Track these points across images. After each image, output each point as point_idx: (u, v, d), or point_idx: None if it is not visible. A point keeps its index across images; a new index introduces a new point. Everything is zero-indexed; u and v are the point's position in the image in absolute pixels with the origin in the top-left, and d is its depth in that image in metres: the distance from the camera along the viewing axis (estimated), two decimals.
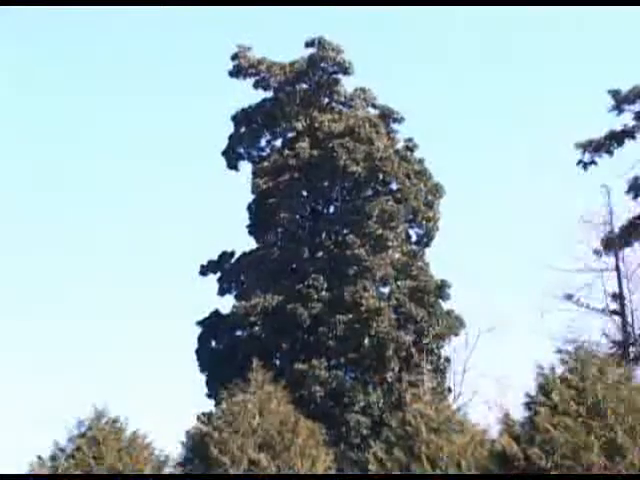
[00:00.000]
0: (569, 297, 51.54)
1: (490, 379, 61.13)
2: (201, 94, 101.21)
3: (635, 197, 50.13)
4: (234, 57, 55.61)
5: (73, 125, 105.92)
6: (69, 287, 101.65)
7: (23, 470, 31.86)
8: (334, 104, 55.31)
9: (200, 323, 53.28)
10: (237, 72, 55.69)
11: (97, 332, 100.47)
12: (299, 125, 54.79)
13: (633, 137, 50.37)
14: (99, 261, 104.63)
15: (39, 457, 32.36)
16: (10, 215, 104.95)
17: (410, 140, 55.03)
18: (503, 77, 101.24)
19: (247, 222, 54.45)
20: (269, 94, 55.63)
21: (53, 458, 32.21)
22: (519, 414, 32.05)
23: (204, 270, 55.08)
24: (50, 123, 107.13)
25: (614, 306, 51.21)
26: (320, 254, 52.57)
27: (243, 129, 55.94)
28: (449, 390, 51.65)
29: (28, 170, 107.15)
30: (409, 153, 54.16)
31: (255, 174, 54.57)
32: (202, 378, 51.63)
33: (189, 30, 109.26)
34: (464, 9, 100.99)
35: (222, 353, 51.48)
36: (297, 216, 54.17)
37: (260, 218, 54.02)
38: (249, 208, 54.47)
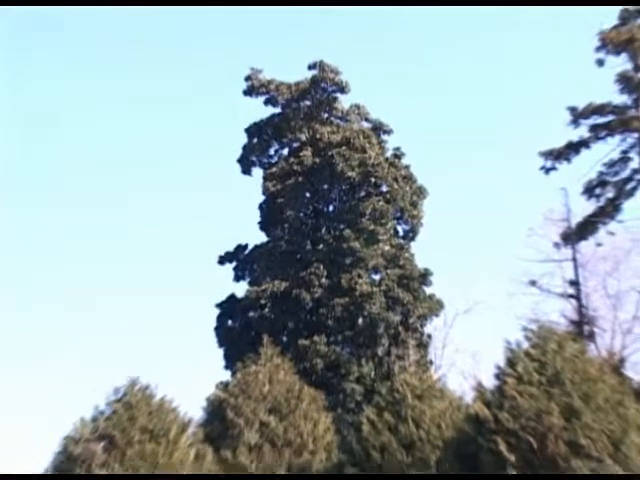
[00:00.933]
0: (533, 283, 51.44)
1: (466, 353, 61.11)
2: (220, 110, 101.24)
3: (589, 198, 50.12)
4: (247, 78, 55.63)
5: (122, 134, 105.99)
6: (112, 272, 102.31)
7: (67, 430, 32.07)
8: (333, 118, 55.22)
9: (218, 305, 53.32)
10: (250, 91, 55.68)
11: (134, 313, 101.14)
12: (303, 136, 54.77)
13: (588, 147, 50.30)
14: (139, 251, 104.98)
15: (82, 419, 32.48)
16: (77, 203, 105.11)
17: (398, 149, 54.96)
18: (479, 97, 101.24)
19: (258, 219, 54.53)
20: (277, 110, 55.62)
21: (94, 419, 32.32)
22: (490, 383, 32.13)
23: (222, 260, 55.08)
24: (97, 130, 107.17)
25: (571, 291, 51.08)
26: (321, 246, 52.54)
27: (255, 140, 55.92)
28: (430, 363, 51.56)
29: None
30: (397, 160, 54.07)
31: (265, 178, 54.58)
32: (220, 352, 51.69)
33: (211, 56, 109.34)
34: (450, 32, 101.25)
35: (237, 331, 51.50)
36: (301, 214, 54.18)
37: (269, 216, 54.06)
38: (260, 207, 54.50)
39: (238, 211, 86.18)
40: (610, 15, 50.49)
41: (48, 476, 32.72)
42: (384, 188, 52.51)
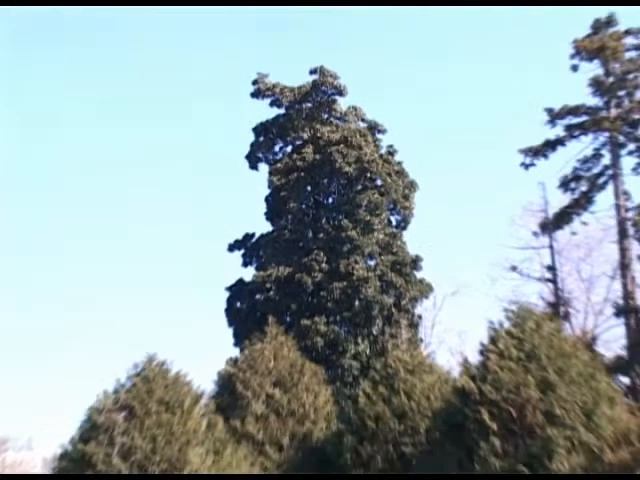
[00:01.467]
0: (514, 268, 51.74)
1: (453, 332, 61.63)
2: (230, 111, 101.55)
3: (565, 191, 50.31)
4: (254, 82, 55.64)
5: (137, 134, 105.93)
6: (135, 261, 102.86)
7: (91, 401, 32.31)
8: (332, 119, 55.24)
9: (228, 289, 53.44)
10: (257, 94, 55.70)
11: (154, 297, 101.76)
12: (304, 135, 54.81)
13: (563, 145, 50.45)
14: (158, 241, 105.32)
15: (105, 391, 32.67)
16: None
17: (391, 147, 54.97)
18: (465, 98, 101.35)
19: (264, 210, 54.57)
20: (281, 111, 55.61)
21: (116, 392, 32.49)
22: (475, 359, 32.36)
23: (231, 247, 55.20)
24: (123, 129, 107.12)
25: (548, 276, 51.30)
26: (321, 235, 52.61)
27: (261, 138, 55.97)
28: (421, 341, 51.76)
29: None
30: (390, 157, 54.11)
31: (270, 173, 54.63)
32: (230, 331, 51.83)
33: (221, 63, 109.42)
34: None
35: (245, 312, 51.64)
36: (303, 206, 54.20)
37: (274, 207, 54.14)
38: (266, 199, 54.58)
39: (246, 203, 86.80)
40: (583, 25, 50.84)
41: (48, 476, 32.68)
42: (378, 182, 52.55)
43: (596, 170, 50.23)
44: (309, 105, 55.03)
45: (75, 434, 32.35)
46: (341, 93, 54.96)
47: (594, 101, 49.88)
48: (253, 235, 54.97)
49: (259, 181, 55.18)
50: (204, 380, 37.90)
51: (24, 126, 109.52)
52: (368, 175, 52.42)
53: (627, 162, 49.28)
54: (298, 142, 55.24)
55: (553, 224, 50.82)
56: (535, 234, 51.72)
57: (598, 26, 49.81)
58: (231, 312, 52.52)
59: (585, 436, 29.00)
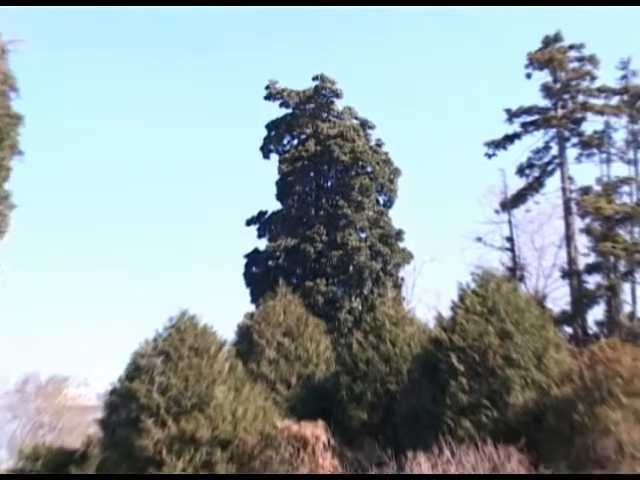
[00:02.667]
0: (479, 240, 51.78)
1: (429, 292, 61.60)
2: (246, 111, 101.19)
3: (520, 176, 50.40)
4: (267, 87, 55.33)
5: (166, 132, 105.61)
6: (174, 235, 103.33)
7: (136, 345, 32.56)
8: (330, 117, 54.86)
9: (246, 256, 53.32)
10: (269, 96, 55.42)
11: (188, 264, 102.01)
12: (308, 131, 54.51)
13: (519, 138, 50.43)
14: (193, 217, 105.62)
15: (146, 339, 32.78)
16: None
17: (379, 140, 54.64)
18: (440, 97, 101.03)
19: (275, 192, 54.44)
20: (289, 111, 55.26)
21: (155, 340, 32.59)
22: (446, 314, 32.49)
23: (248, 222, 55.01)
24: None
25: (507, 245, 51.44)
26: (321, 212, 52.48)
27: (272, 133, 55.69)
28: (403, 299, 51.57)
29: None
30: (378, 148, 53.78)
31: (280, 162, 54.40)
32: (247, 291, 51.78)
33: (240, 70, 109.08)
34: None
35: (259, 276, 51.58)
36: (306, 188, 54.03)
37: (283, 190, 53.96)
38: (276, 183, 54.39)
39: (260, 186, 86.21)
40: (536, 39, 50.77)
41: (48, 476, 32.23)
42: (369, 169, 52.29)
43: (546, 159, 50.28)
44: (312, 106, 54.75)
45: (122, 374, 32.51)
46: (338, 96, 54.68)
47: (544, 103, 49.91)
48: (266, 212, 54.83)
49: (271, 169, 55.03)
50: (227, 331, 38.04)
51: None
52: (360, 163, 52.20)
53: (571, 153, 49.54)
54: (302, 136, 54.96)
55: (511, 203, 50.90)
56: (496, 211, 51.84)
57: (547, 41, 49.71)
58: (248, 276, 52.48)
59: (536, 375, 29.14)
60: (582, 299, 46.55)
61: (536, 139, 50.25)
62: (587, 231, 46.89)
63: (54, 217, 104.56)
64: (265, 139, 55.88)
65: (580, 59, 49.17)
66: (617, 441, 25.50)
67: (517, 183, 50.88)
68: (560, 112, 49.26)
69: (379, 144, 54.18)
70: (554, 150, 49.80)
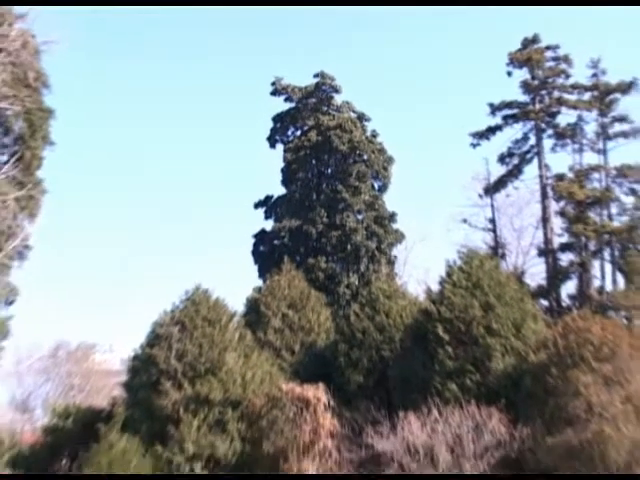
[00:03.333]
0: (464, 221, 51.69)
1: (420, 269, 61.52)
2: (257, 105, 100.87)
3: (502, 164, 50.15)
4: (273, 84, 55.10)
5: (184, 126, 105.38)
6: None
7: (156, 315, 32.75)
8: (330, 110, 54.52)
9: (254, 236, 53.20)
10: (275, 92, 55.18)
11: (203, 242, 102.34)
12: (310, 123, 54.17)
13: (501, 130, 50.14)
14: (209, 202, 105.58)
15: (164, 310, 32.92)
16: None
17: (374, 131, 54.37)
18: (430, 96, 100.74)
19: (280, 178, 54.31)
20: (293, 105, 55.13)
21: (172, 311, 32.75)
22: (435, 288, 32.54)
23: (256, 205, 54.77)
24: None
25: (490, 227, 51.39)
26: (322, 197, 52.28)
27: (278, 125, 55.43)
28: (396, 275, 51.54)
29: None
30: (373, 138, 53.44)
31: (285, 151, 54.17)
32: (255, 268, 51.76)
33: (250, 69, 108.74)
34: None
35: (266, 254, 51.47)
36: (309, 175, 53.80)
37: (288, 176, 53.74)
38: (282, 170, 54.13)
39: (267, 173, 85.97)
40: (516, 40, 50.59)
41: (49, 476, 32.10)
42: (365, 157, 52.01)
43: (524, 149, 50.10)
44: (313, 100, 54.46)
45: (143, 341, 32.69)
46: (337, 91, 54.39)
47: (523, 98, 49.63)
48: (272, 197, 54.65)
49: (277, 157, 54.86)
50: (237, 304, 38.18)
51: None
52: (357, 152, 51.98)
53: (547, 143, 49.29)
54: (305, 128, 54.67)
55: (493, 189, 50.78)
56: (480, 196, 51.67)
57: (526, 43, 49.45)
58: (256, 254, 52.41)
59: (515, 343, 29.26)
60: (556, 275, 46.66)
61: (516, 131, 50.15)
62: (561, 214, 46.90)
63: (83, 200, 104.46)
64: (271, 130, 55.67)
65: (555, 59, 48.93)
66: (587, 402, 25.69)
67: (499, 170, 50.77)
68: (537, 106, 49.06)
69: (374, 135, 53.91)
70: (532, 141, 49.66)
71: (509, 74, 49.89)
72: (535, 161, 49.49)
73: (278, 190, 54.57)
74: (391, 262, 51.50)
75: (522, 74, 49.31)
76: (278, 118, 55.74)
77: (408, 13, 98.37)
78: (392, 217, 51.86)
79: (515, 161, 50.27)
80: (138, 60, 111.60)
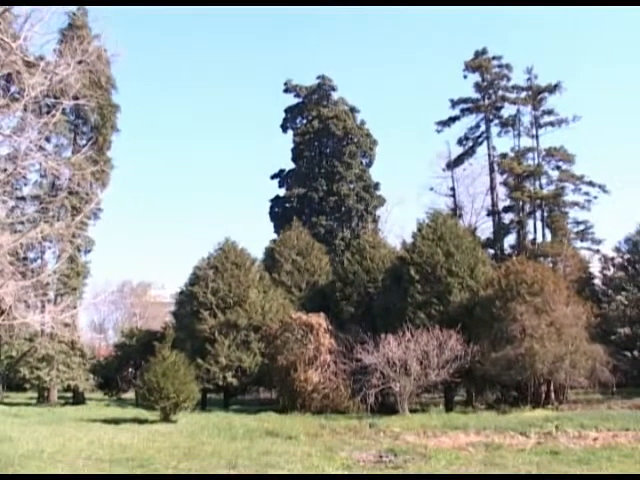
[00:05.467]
0: (431, 189, 51.24)
1: (397, 225, 61.19)
2: (272, 100, 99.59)
3: (460, 146, 49.87)
4: (285, 83, 54.58)
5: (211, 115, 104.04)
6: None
7: (191, 267, 32.47)
8: (329, 104, 53.95)
9: (270, 200, 53.00)
10: (286, 90, 54.55)
11: (233, 206, 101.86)
12: (313, 114, 53.51)
13: (459, 120, 49.64)
14: (237, 174, 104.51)
15: (202, 257, 32.74)
16: None
17: (363, 120, 53.66)
18: (406, 92, 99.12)
19: (291, 156, 53.88)
20: (300, 100, 54.52)
21: (208, 257, 32.63)
22: (409, 240, 32.21)
23: (273, 177, 54.44)
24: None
25: (450, 193, 51.01)
26: (322, 170, 51.90)
27: (289, 115, 54.87)
28: (379, 230, 51.31)
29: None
30: (362, 126, 52.93)
31: (294, 135, 53.67)
32: (271, 224, 51.63)
33: (268, 71, 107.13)
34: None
35: (279, 214, 51.26)
36: (312, 153, 53.31)
37: (297, 154, 53.31)
38: (292, 150, 53.72)
39: (281, 153, 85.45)
40: (471, 49, 49.77)
41: (50, 476, 31.51)
42: (355, 140, 51.70)
43: (477, 134, 49.67)
44: (316, 96, 53.85)
45: (187, 281, 32.58)
46: (334, 90, 53.88)
47: (476, 95, 49.12)
48: (284, 170, 54.30)
49: (288, 140, 54.48)
50: (257, 252, 38.17)
51: None
52: (349, 136, 51.59)
53: (494, 130, 48.83)
54: (310, 117, 54.07)
55: (453, 164, 50.32)
56: (443, 169, 51.18)
57: (477, 53, 49.02)
58: (272, 214, 52.25)
59: (469, 282, 29.09)
60: (500, 230, 46.74)
61: (470, 120, 49.70)
62: (504, 184, 46.86)
63: (141, 171, 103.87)
64: (284, 119, 55.17)
65: (500, 66, 48.60)
66: (521, 326, 25.78)
67: (457, 150, 50.37)
68: (486, 102, 48.66)
69: (363, 122, 53.39)
70: (482, 128, 49.26)
71: (465, 77, 49.37)
72: (485, 143, 49.24)
73: (289, 165, 54.27)
74: (375, 221, 51.33)
75: (475, 77, 48.98)
76: (289, 110, 55.16)
77: (396, 12, 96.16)
78: (376, 186, 51.56)
79: (470, 143, 49.90)
80: (187, 59, 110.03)
